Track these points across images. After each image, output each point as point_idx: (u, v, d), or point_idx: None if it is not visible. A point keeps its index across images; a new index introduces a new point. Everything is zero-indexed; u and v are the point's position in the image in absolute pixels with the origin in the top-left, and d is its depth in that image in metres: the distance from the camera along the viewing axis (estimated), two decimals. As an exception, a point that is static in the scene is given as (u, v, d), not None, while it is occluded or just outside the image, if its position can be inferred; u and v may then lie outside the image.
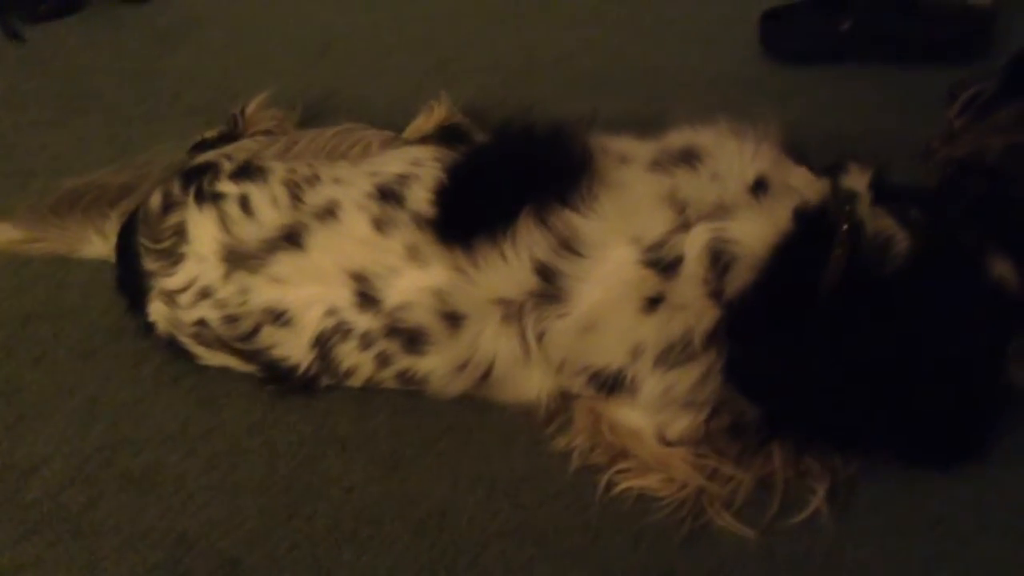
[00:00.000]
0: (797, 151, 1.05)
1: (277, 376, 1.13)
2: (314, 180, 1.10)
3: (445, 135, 1.24)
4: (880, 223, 0.96)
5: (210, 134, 1.49)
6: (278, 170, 1.12)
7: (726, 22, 1.78)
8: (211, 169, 1.15)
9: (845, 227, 0.95)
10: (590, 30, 1.84)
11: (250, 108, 1.52)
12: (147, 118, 1.75)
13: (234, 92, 1.67)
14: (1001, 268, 0.95)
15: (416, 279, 1.03)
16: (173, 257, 1.12)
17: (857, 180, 0.99)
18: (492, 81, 1.72)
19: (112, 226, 1.34)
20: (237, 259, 1.08)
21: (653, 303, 0.96)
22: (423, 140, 1.20)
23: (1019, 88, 1.10)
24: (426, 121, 1.49)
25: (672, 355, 0.96)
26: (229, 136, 1.46)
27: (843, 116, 1.52)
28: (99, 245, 1.36)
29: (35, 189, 1.55)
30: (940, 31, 1.60)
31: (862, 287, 0.94)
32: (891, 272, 0.94)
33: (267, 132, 1.46)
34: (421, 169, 1.07)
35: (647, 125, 1.45)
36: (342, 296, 1.05)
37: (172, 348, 1.17)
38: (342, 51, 1.89)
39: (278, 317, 1.08)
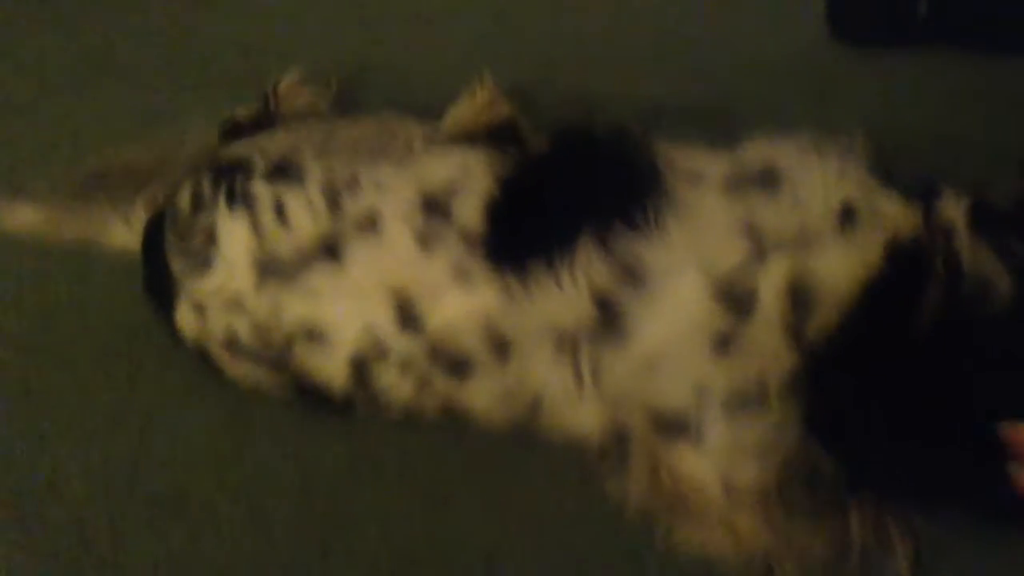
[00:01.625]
0: (882, 168, 0.95)
1: (310, 394, 1.05)
2: (354, 184, 1.02)
3: (496, 135, 1.15)
4: (980, 260, 0.86)
5: (242, 112, 1.41)
6: (315, 171, 1.04)
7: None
8: (243, 166, 1.07)
9: (941, 265, 0.85)
10: (640, 4, 1.72)
11: (283, 85, 1.44)
12: (174, 87, 1.66)
13: (265, 61, 1.59)
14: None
15: (463, 301, 0.95)
16: (203, 261, 1.04)
17: (953, 208, 0.89)
18: (537, 58, 1.60)
19: (138, 214, 1.26)
20: (270, 269, 1.01)
21: (724, 342, 0.87)
22: (470, 139, 1.10)
23: None
24: (470, 106, 1.38)
25: (743, 400, 0.88)
26: (262, 117, 1.38)
27: (920, 113, 1.40)
28: (124, 233, 1.28)
29: (57, 163, 1.47)
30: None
31: (959, 333, 0.85)
32: (991, 317, 0.85)
33: (300, 114, 1.38)
34: (471, 178, 0.98)
35: (705, 116, 1.41)
36: (382, 314, 0.98)
37: (200, 356, 1.10)
38: (378, 18, 1.78)
39: (312, 333, 1.00)
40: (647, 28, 1.63)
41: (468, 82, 1.39)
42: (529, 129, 1.26)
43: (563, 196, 0.95)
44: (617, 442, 0.98)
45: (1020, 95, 1.37)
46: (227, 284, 1.03)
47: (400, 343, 0.98)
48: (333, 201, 1.00)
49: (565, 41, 1.62)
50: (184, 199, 1.09)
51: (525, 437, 1.01)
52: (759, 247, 0.87)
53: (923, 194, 0.91)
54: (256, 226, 1.01)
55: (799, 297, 0.85)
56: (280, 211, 1.01)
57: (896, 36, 1.53)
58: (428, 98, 1.40)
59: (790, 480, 0.92)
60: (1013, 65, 1.45)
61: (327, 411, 1.06)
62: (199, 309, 1.05)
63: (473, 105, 1.37)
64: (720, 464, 0.93)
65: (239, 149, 1.14)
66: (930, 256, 0.86)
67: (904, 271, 0.85)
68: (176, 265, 1.07)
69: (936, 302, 0.85)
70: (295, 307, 1.00)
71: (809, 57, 1.55)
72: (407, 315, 0.96)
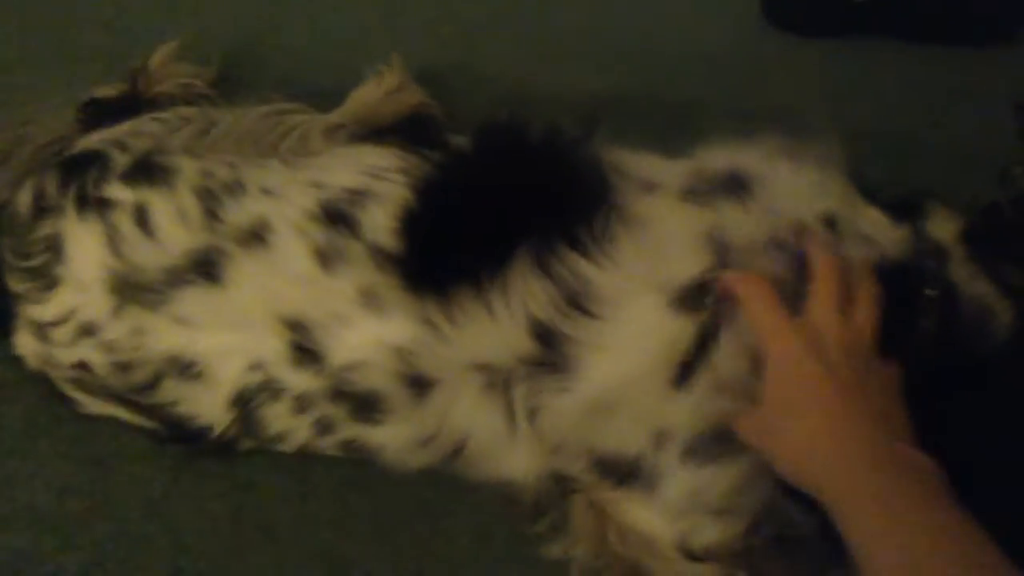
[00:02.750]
0: (859, 177, 0.83)
1: (184, 437, 0.87)
2: (236, 188, 0.84)
3: (408, 129, 0.98)
4: (976, 288, 0.75)
5: (104, 92, 1.19)
6: (188, 171, 0.86)
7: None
8: (98, 163, 0.88)
9: (933, 292, 0.74)
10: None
11: (155, 60, 1.22)
12: (29, 63, 1.42)
13: (137, 34, 1.38)
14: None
15: (372, 332, 0.79)
16: (46, 279, 0.85)
17: (943, 228, 0.78)
18: (451, 38, 1.43)
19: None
20: (130, 291, 0.82)
21: (686, 374, 0.74)
22: (378, 133, 0.93)
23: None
24: (374, 91, 1.21)
25: (708, 445, 0.75)
26: (128, 98, 1.17)
27: (859, 107, 1.30)
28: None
29: None
30: (972, 6, 1.38)
31: (955, 370, 0.73)
32: (991, 351, 0.74)
33: (174, 96, 1.17)
34: (381, 184, 0.82)
35: (641, 108, 1.28)
36: (272, 347, 0.81)
37: (46, 387, 0.91)
38: (270, -12, 1.58)
39: (185, 368, 0.83)
40: (578, 14, 1.48)
41: (372, 63, 1.24)
42: (444, 123, 1.10)
43: (493, 208, 0.79)
44: (556, 495, 0.84)
45: (961, 87, 1.28)
46: (77, 309, 0.84)
47: (295, 381, 0.81)
48: (210, 209, 0.82)
49: (486, 23, 1.45)
50: (24, 201, 0.89)
51: (444, 480, 0.86)
52: (723, 259, 0.74)
53: (908, 210, 0.79)
54: (113, 238, 0.83)
55: None
56: (143, 220, 0.83)
57: (832, 25, 1.43)
58: (325, 80, 1.27)
59: (760, 543, 0.79)
60: (952, 55, 1.36)
61: (203, 451, 0.88)
62: (42, 336, 0.86)
63: (378, 90, 1.21)
64: (678, 522, 0.79)
65: (95, 140, 0.94)
66: (921, 282, 0.74)
67: (892, 299, 0.73)
68: (13, 282, 0.87)
69: (929, 335, 0.73)
70: (163, 337, 0.82)
71: (741, 46, 1.43)
72: (303, 348, 0.80)
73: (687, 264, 0.75)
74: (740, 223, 0.76)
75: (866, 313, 0.71)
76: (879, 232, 0.77)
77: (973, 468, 0.71)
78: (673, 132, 0.89)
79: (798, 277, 0.73)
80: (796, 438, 0.67)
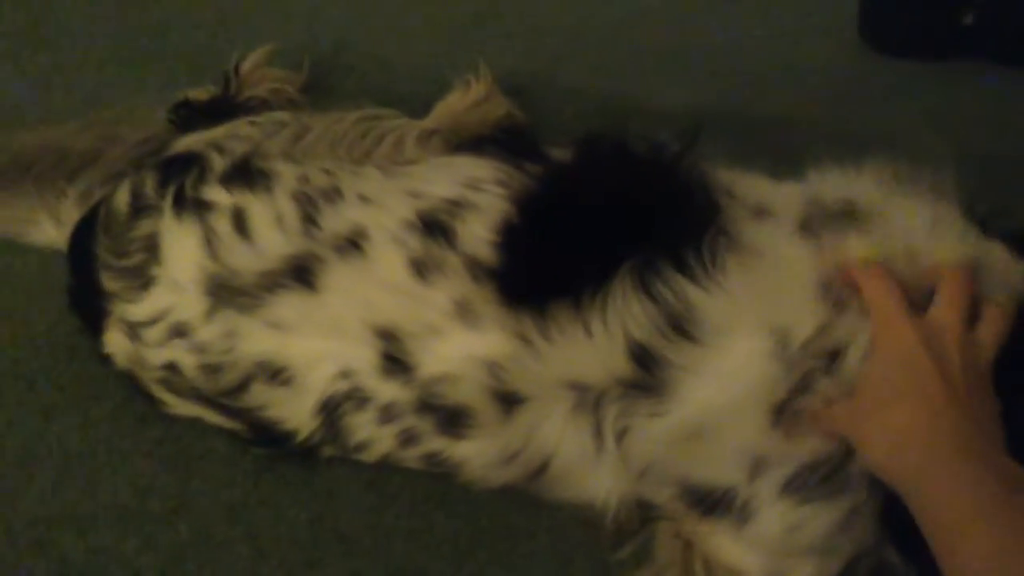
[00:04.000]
0: (968, 206, 0.80)
1: (268, 440, 0.87)
2: (334, 195, 0.83)
3: (505, 140, 0.96)
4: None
5: (196, 95, 1.21)
6: (287, 176, 0.85)
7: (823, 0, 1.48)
8: (197, 164, 0.88)
9: None
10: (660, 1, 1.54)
11: (247, 65, 1.23)
12: (122, 60, 1.44)
13: (228, 35, 1.40)
14: None
15: (464, 345, 0.78)
16: (141, 279, 0.86)
17: None
18: (537, 50, 1.41)
19: (68, 208, 1.06)
20: (225, 293, 0.82)
21: (786, 410, 0.71)
22: (478, 144, 0.91)
23: None
24: (461, 100, 1.21)
25: (809, 482, 0.72)
26: (220, 102, 1.18)
27: (966, 129, 1.25)
28: (51, 231, 1.08)
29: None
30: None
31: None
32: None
33: (266, 101, 1.18)
34: (480, 195, 0.81)
35: (731, 124, 1.25)
36: (362, 356, 0.80)
37: (134, 386, 0.91)
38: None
39: (275, 373, 0.82)
40: (667, 26, 1.45)
41: (460, 73, 1.23)
42: (536, 136, 1.08)
43: (594, 223, 0.77)
44: (640, 522, 0.82)
45: None
46: (170, 309, 0.84)
47: (383, 391, 0.80)
48: (307, 215, 0.82)
49: (573, 36, 1.43)
50: (122, 199, 0.90)
51: (524, 500, 0.85)
52: (839, 313, 0.71)
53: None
54: (210, 240, 0.83)
55: None
56: (241, 223, 0.82)
57: (934, 47, 1.38)
58: (411, 89, 1.27)
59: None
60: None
61: (286, 457, 0.87)
62: (133, 335, 0.86)
63: (465, 99, 1.20)
64: (770, 558, 0.76)
65: (193, 141, 0.95)
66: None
67: (1019, 333, 0.69)
68: (107, 280, 0.87)
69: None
70: (255, 341, 0.82)
71: (835, 64, 1.39)
72: (394, 358, 0.79)
73: (802, 314, 0.72)
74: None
75: (992, 330, 0.69)
76: (1004, 269, 0.73)
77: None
78: (769, 150, 0.87)
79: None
80: (894, 425, 0.65)
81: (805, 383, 0.71)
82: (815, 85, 1.34)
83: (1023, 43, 1.33)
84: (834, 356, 0.70)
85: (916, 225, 0.74)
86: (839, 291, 0.71)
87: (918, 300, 0.70)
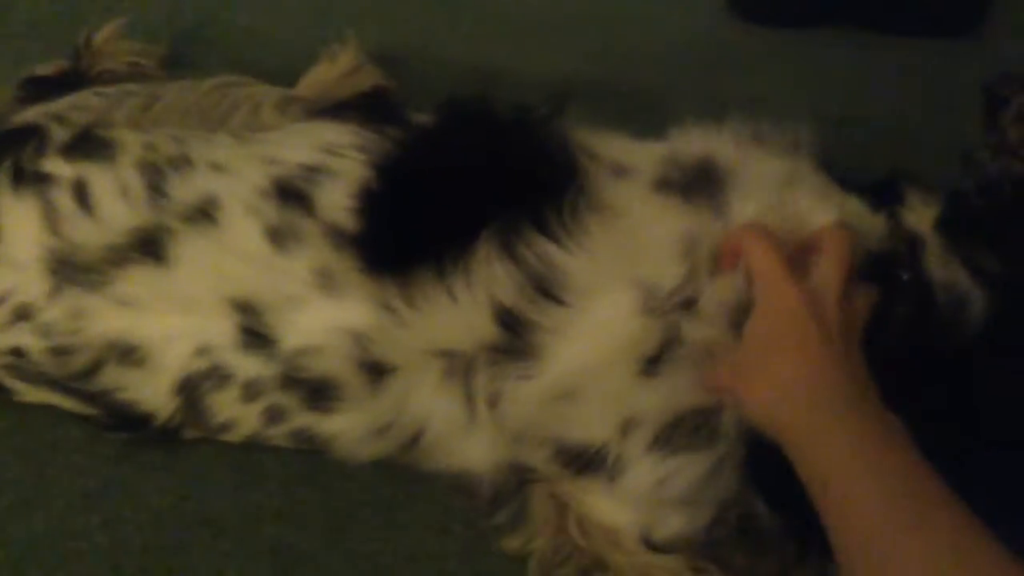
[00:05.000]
0: (831, 163, 0.82)
1: (125, 423, 0.83)
2: (183, 163, 0.81)
3: (367, 105, 0.94)
4: (951, 277, 0.74)
5: (44, 70, 1.15)
6: (131, 145, 0.82)
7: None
8: (35, 137, 0.84)
9: (908, 277, 0.73)
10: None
11: (100, 37, 1.18)
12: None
13: (81, 7, 1.35)
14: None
15: (327, 316, 0.76)
16: (-23, 257, 0.81)
17: (920, 217, 0.78)
18: (409, 19, 1.40)
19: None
20: (69, 271, 0.79)
21: (658, 362, 0.72)
22: (337, 110, 0.89)
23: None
24: (328, 71, 1.19)
25: (677, 436, 0.73)
26: (71, 75, 1.13)
27: (831, 94, 1.30)
28: None
29: None
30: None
31: (928, 362, 0.72)
32: (965, 342, 0.73)
33: (120, 74, 1.13)
34: (338, 160, 0.79)
35: (604, 92, 1.26)
36: (220, 331, 0.78)
37: (-21, 374, 0.86)
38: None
39: (127, 353, 0.79)
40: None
41: (327, 44, 1.21)
42: (401, 103, 1.07)
43: (456, 187, 0.77)
44: (515, 486, 0.81)
45: (926, 76, 1.30)
46: (12, 291, 0.80)
47: (244, 367, 0.78)
48: (154, 185, 0.79)
49: (447, 4, 1.43)
50: (-45, 177, 0.84)
51: (399, 471, 0.84)
52: (696, 269, 0.72)
53: (884, 197, 0.78)
54: (50, 215, 0.79)
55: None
56: (83, 196, 0.79)
57: (796, 14, 1.43)
58: (278, 62, 1.24)
59: (723, 533, 0.77)
60: (916, 45, 1.37)
61: (146, 440, 0.84)
62: (-27, 319, 0.81)
63: (332, 71, 1.18)
64: (641, 513, 0.77)
65: (33, 114, 0.90)
66: (898, 271, 0.73)
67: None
68: (-58, 263, 0.82)
69: (905, 323, 0.72)
70: (104, 320, 0.79)
71: (707, 34, 1.42)
72: (254, 332, 0.77)
73: (662, 269, 0.73)
74: (713, 229, 0.74)
75: (863, 301, 0.71)
76: (858, 221, 0.75)
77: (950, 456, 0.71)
78: (638, 117, 0.88)
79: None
80: (774, 378, 0.67)
81: (672, 336, 0.72)
82: (686, 55, 1.37)
83: (883, 9, 1.39)
84: (695, 307, 0.71)
85: (772, 181, 0.75)
86: (700, 245, 0.72)
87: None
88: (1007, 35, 1.39)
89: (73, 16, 1.33)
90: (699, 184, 0.76)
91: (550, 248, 0.73)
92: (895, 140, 1.20)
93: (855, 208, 0.76)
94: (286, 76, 1.17)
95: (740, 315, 0.71)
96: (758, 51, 1.38)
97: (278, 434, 0.82)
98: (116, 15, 1.22)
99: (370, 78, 1.18)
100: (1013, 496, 0.71)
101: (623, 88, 1.27)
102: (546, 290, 0.72)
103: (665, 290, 0.72)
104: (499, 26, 1.39)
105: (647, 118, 0.87)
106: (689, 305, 0.72)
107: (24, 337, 0.80)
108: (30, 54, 1.22)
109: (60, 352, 0.80)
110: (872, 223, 0.76)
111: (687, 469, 0.74)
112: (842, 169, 0.83)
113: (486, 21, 1.40)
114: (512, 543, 0.81)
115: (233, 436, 0.83)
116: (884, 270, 0.73)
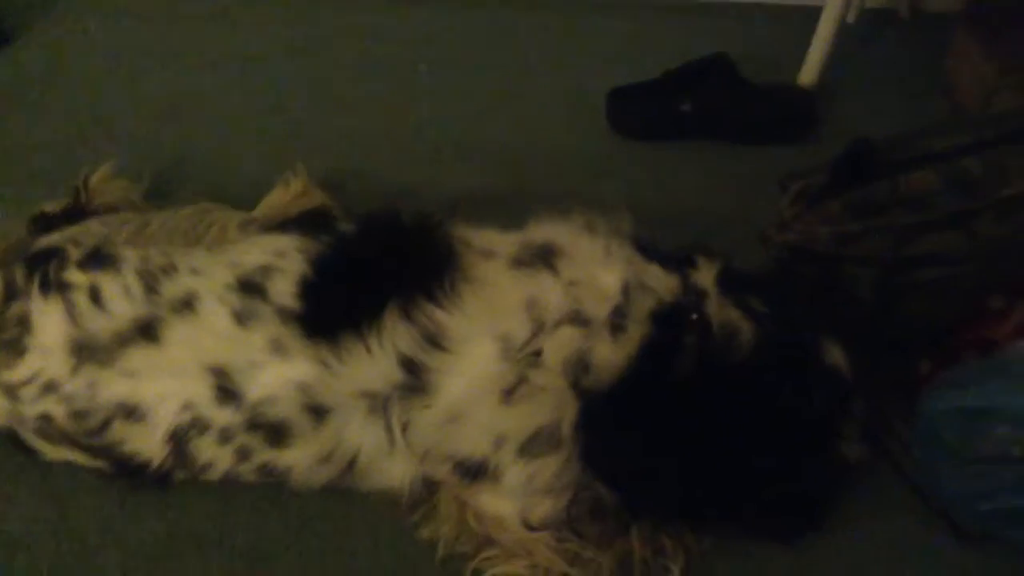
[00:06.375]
0: (644, 239, 1.09)
1: (128, 472, 1.08)
2: (170, 270, 1.07)
3: (307, 221, 1.23)
4: (726, 315, 1.01)
5: (51, 207, 1.41)
6: (131, 258, 1.09)
7: (578, 98, 1.82)
8: (57, 256, 1.10)
9: (694, 317, 1.00)
10: (446, 101, 1.85)
11: (94, 179, 1.44)
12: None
13: (76, 157, 1.60)
14: (834, 354, 1.03)
15: (280, 373, 1.01)
16: (16, 349, 1.06)
17: (705, 275, 1.04)
18: (348, 150, 1.70)
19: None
20: (86, 352, 1.04)
21: (512, 394, 0.98)
22: (284, 225, 1.18)
23: (843, 182, 1.19)
24: (282, 195, 1.46)
25: (535, 445, 0.99)
26: (72, 210, 1.39)
27: (684, 192, 1.59)
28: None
29: None
30: (767, 112, 1.71)
31: (709, 377, 0.99)
32: (737, 362, 1.00)
33: (113, 207, 1.40)
34: (285, 261, 1.06)
35: (504, 200, 1.54)
36: (199, 391, 1.03)
37: (12, 442, 1.11)
38: (191, 115, 1.83)
39: (130, 412, 1.04)
40: (453, 127, 1.77)
41: (281, 173, 1.47)
42: (340, 215, 1.35)
43: (370, 273, 1.04)
44: (427, 492, 1.07)
45: (760, 177, 1.51)
46: (42, 370, 1.05)
47: (219, 416, 1.03)
48: (149, 285, 1.05)
49: (382, 135, 1.73)
50: (-3, 290, 1.11)
51: (341, 493, 1.08)
52: (542, 324, 0.99)
53: (681, 263, 1.06)
54: (71, 312, 1.04)
55: (579, 363, 0.98)
56: (96, 296, 1.05)
57: (664, 129, 1.73)
58: (242, 187, 1.50)
59: (579, 511, 1.03)
60: (757, 153, 1.67)
61: (145, 485, 1.08)
62: (12, 395, 1.06)
63: (286, 193, 1.45)
64: (518, 502, 1.03)
65: (52, 239, 1.17)
66: (687, 314, 1.01)
67: (666, 330, 0.99)
68: (-12, 355, 1.08)
69: (692, 350, 0.99)
70: (113, 388, 1.03)
71: (590, 147, 1.72)
72: (226, 389, 1.02)
73: (515, 324, 0.99)
74: (551, 292, 1.00)
75: None
76: (657, 283, 1.02)
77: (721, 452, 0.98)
78: (520, 216, 1.12)
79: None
80: None
81: (523, 373, 0.98)
82: (572, 165, 1.67)
83: (728, 125, 1.71)
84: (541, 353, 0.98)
85: (592, 257, 1.03)
86: (540, 303, 1.00)
87: (600, 315, 0.99)
88: (831, 139, 1.66)
89: (71, 162, 1.56)
90: (541, 260, 1.03)
91: (436, 311, 0.99)
92: (726, 223, 1.47)
93: (655, 271, 1.03)
94: (248, 198, 1.43)
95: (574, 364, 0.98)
96: (628, 159, 1.67)
97: (248, 470, 1.06)
98: (105, 159, 1.47)
99: (316, 199, 1.44)
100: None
101: (513, 193, 1.56)
102: (435, 341, 0.98)
103: (518, 341, 0.98)
104: (420, 153, 1.69)
105: (527, 215, 1.11)
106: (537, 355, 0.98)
107: (50, 405, 1.05)
108: (36, 197, 1.46)
109: (79, 415, 1.04)
110: (667, 281, 1.02)
111: (546, 468, 0.99)
112: (671, 247, 1.09)
113: (409, 150, 1.70)
114: (425, 532, 1.06)
115: (213, 474, 1.06)
116: (678, 313, 1.00)
